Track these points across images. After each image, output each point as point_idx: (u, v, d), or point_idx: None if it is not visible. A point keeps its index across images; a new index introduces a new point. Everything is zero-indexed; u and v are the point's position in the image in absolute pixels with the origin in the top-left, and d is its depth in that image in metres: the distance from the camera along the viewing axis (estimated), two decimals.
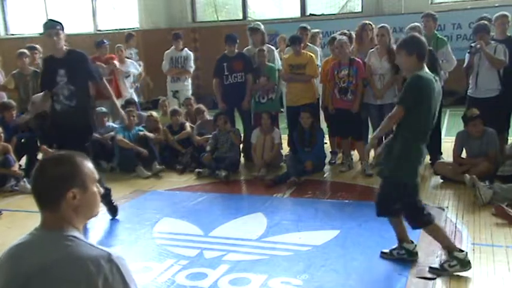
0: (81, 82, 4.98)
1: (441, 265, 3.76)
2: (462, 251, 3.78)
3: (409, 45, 3.71)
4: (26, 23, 15.10)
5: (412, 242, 4.01)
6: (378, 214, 3.99)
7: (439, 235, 3.84)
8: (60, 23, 4.92)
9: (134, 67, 8.59)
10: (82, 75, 4.98)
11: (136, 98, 8.61)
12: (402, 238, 3.99)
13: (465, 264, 3.71)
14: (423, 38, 3.87)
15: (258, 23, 7.50)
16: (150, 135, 7.28)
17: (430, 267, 3.79)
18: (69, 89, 4.89)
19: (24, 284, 1.67)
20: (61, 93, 4.91)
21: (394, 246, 4.03)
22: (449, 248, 3.77)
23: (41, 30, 4.97)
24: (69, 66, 4.89)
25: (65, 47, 4.93)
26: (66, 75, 4.88)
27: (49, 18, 5.16)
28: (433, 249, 4.11)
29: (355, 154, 6.95)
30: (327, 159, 7.00)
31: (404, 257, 3.96)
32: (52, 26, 4.85)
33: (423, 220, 3.79)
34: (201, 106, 7.85)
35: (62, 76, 4.88)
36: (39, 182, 1.75)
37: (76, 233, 1.74)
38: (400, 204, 3.81)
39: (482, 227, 4.58)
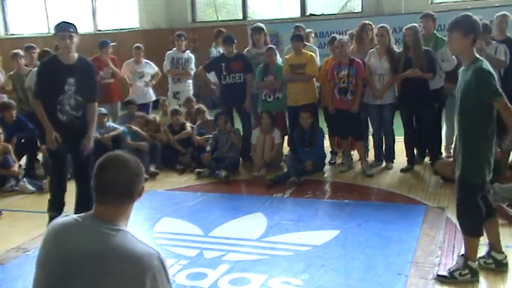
0: (87, 94, 4.71)
1: (451, 273, 3.59)
2: (475, 261, 3.62)
3: (466, 26, 3.30)
4: (26, 23, 15.09)
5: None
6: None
7: (471, 246, 3.59)
8: (74, 25, 4.62)
9: (150, 67, 8.55)
10: (89, 88, 4.72)
11: (154, 97, 8.55)
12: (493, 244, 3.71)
13: (475, 273, 3.59)
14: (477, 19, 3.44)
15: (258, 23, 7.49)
16: (141, 132, 7.22)
17: (439, 275, 3.65)
18: (76, 100, 4.62)
19: (70, 266, 1.72)
20: (67, 103, 4.61)
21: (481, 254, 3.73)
22: (468, 257, 3.58)
23: (48, 31, 4.84)
24: (79, 76, 4.60)
25: (76, 54, 4.64)
26: (75, 85, 4.59)
27: (63, 20, 4.82)
28: (433, 249, 4.12)
29: (355, 154, 6.95)
30: (327, 159, 7.00)
31: (492, 266, 3.70)
32: (65, 28, 4.55)
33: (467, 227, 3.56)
34: (202, 106, 7.86)
35: (70, 85, 4.58)
36: (121, 176, 1.82)
37: (126, 228, 1.82)
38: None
39: None
